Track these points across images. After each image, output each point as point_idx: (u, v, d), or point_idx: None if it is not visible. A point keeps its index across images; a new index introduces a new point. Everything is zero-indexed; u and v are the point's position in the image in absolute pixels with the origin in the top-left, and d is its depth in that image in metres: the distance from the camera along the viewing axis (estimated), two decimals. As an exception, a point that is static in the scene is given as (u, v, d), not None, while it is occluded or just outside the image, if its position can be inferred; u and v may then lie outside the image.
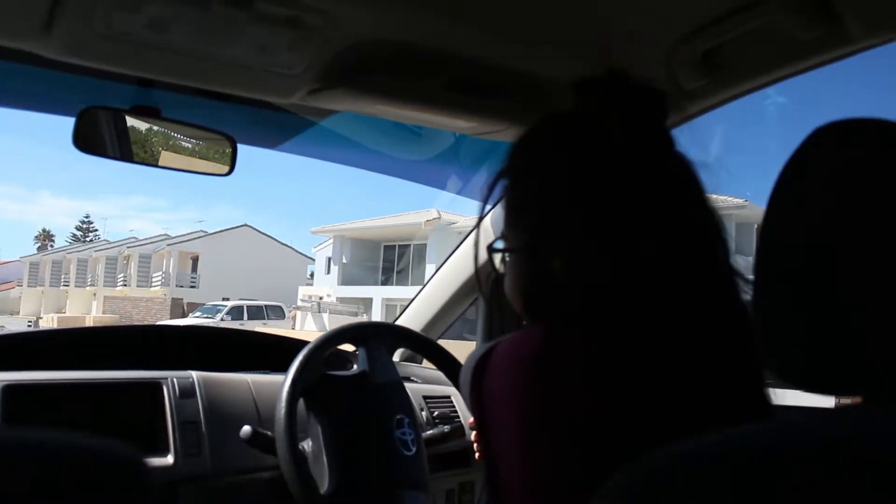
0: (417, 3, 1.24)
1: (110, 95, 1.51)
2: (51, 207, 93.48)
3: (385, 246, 28.04)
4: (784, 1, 1.17)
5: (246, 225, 38.30)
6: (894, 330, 0.57)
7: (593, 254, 0.88)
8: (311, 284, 31.55)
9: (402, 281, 26.45)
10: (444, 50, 1.36)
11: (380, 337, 1.81)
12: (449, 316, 2.32)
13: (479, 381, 0.88)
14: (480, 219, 1.07)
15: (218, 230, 38.06)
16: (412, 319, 2.32)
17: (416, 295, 2.38)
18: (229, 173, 1.68)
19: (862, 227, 0.59)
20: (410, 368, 2.28)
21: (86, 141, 1.48)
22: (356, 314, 25.48)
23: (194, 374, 1.75)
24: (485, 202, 1.00)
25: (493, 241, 0.99)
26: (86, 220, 64.88)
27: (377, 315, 25.57)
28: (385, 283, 27.36)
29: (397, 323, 2.30)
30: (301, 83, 1.38)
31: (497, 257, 0.99)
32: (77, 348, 1.86)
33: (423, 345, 1.96)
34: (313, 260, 33.63)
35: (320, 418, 1.63)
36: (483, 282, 2.23)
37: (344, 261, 28.12)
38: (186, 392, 1.70)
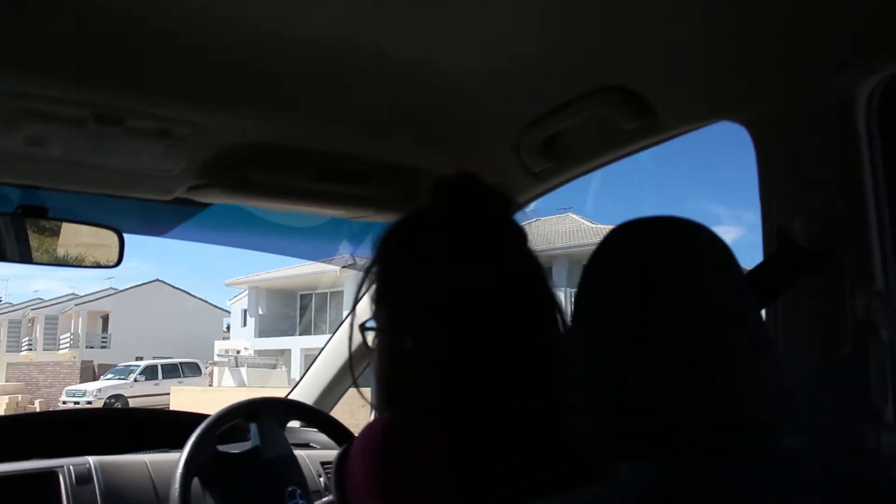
0: (280, 112, 1.36)
1: (-3, 198, 1.58)
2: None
3: (301, 295, 27.78)
4: (606, 97, 1.32)
5: (158, 280, 37.28)
6: (679, 404, 0.69)
7: (433, 333, 0.98)
8: (228, 338, 30.90)
9: (318, 330, 26.16)
10: (310, 147, 1.48)
11: (270, 412, 1.88)
12: (342, 383, 2.39)
13: (341, 470, 0.97)
14: (355, 304, 1.15)
15: (129, 286, 37.02)
16: (306, 390, 2.38)
17: (308, 367, 2.45)
18: (118, 264, 1.75)
19: (651, 311, 0.71)
20: (310, 434, 2.33)
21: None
22: (274, 366, 25.03)
23: (91, 460, 1.78)
24: (359, 286, 1.09)
25: (365, 321, 1.08)
26: (-13, 283, 62.07)
27: (296, 364, 25.22)
28: (302, 332, 27.04)
29: (291, 396, 2.36)
30: (179, 183, 1.48)
31: (369, 336, 1.08)
32: None
33: (313, 418, 2.03)
34: (229, 313, 33.04)
35: (214, 496, 1.68)
36: (356, 364, 2.34)
37: (260, 312, 27.72)
38: (83, 478, 1.73)
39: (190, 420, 2.10)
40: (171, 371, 25.48)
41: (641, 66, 1.25)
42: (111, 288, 37.65)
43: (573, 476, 0.90)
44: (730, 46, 1.15)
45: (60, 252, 1.67)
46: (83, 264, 1.70)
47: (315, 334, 25.90)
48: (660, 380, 0.70)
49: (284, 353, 26.16)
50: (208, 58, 1.19)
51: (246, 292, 28.54)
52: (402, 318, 1.01)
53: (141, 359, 28.32)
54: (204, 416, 1.85)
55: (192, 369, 26.10)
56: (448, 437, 0.92)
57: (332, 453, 2.20)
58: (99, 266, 1.73)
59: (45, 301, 39.86)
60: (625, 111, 1.33)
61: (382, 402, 1.04)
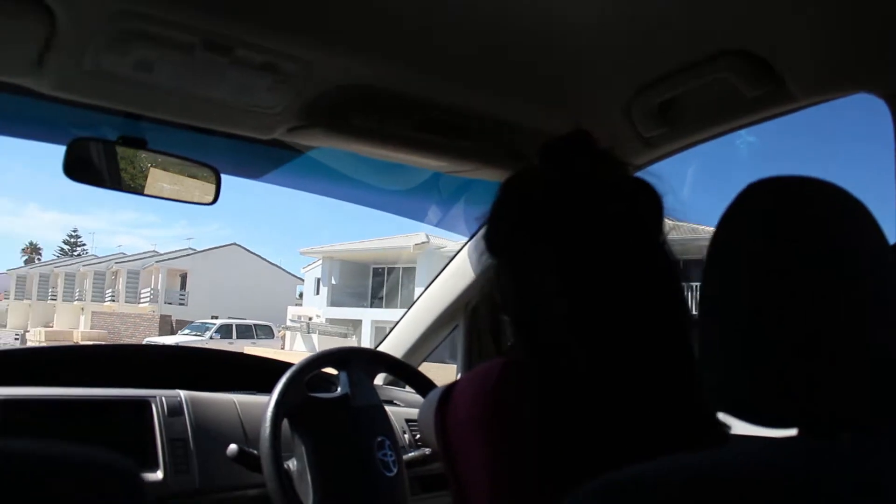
0: (392, 55, 1.32)
1: (99, 126, 1.59)
2: (38, 220, 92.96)
3: (374, 268, 28.03)
4: (730, 62, 1.25)
5: (235, 244, 38.12)
6: (824, 368, 0.64)
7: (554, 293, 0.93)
8: (301, 305, 31.45)
9: (391, 303, 26.43)
10: (415, 95, 1.44)
11: (359, 362, 1.87)
12: (430, 342, 2.38)
13: (442, 414, 0.95)
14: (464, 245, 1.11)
15: (207, 248, 37.96)
16: (394, 345, 2.38)
17: (398, 321, 2.45)
18: (213, 202, 1.75)
19: (787, 273, 0.66)
20: (394, 392, 2.33)
21: (76, 170, 1.55)
22: (346, 336, 25.39)
23: (182, 394, 1.80)
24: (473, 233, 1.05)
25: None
26: (74, 234, 64.64)
27: (367, 336, 25.51)
28: (374, 305, 27.34)
29: (379, 349, 2.36)
30: (281, 121, 1.46)
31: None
32: (66, 366, 1.90)
33: (401, 370, 2.02)
34: (302, 280, 33.52)
35: (304, 438, 1.67)
36: (446, 323, 2.31)
37: (333, 282, 28.06)
38: (174, 410, 1.75)
39: (276, 366, 2.11)
40: (245, 332, 26.09)
41: (770, 30, 1.18)
42: (190, 248, 38.71)
43: (683, 439, 0.86)
44: (868, 12, 1.07)
45: (158, 185, 1.67)
46: (180, 199, 1.70)
47: (387, 307, 26.17)
48: (801, 338, 0.65)
49: (355, 323, 26.47)
50: None
51: (320, 262, 28.92)
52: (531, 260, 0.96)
53: (216, 317, 29.07)
54: (286, 363, 1.85)
55: (266, 332, 26.68)
56: (563, 389, 0.89)
57: (416, 411, 2.18)
58: (195, 202, 1.73)
59: (128, 256, 41.25)
60: (749, 77, 1.26)
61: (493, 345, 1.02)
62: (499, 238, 1.00)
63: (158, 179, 1.68)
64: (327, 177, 2.11)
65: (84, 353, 2.04)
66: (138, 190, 1.64)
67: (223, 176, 1.75)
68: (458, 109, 1.49)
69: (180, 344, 23.88)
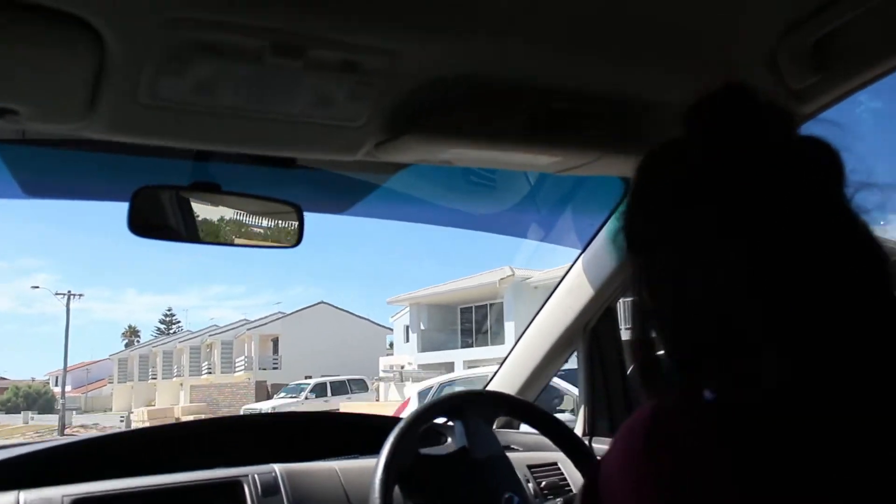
0: (491, 31, 1.10)
1: (166, 174, 1.42)
2: (136, 304, 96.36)
3: (461, 309, 27.95)
4: None
5: (322, 302, 38.71)
6: None
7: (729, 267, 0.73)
8: (392, 354, 31.53)
9: (481, 342, 26.26)
10: (525, 81, 1.22)
11: (476, 407, 1.65)
12: (545, 374, 2.15)
13: (596, 472, 0.80)
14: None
15: (295, 310, 38.55)
16: (505, 382, 2.16)
17: (506, 357, 2.23)
18: (298, 243, 1.56)
19: None
20: (509, 436, 2.10)
21: (143, 224, 1.39)
22: (439, 380, 25.27)
23: (277, 468, 1.61)
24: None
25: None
26: (168, 312, 66.49)
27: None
28: (464, 345, 27.18)
29: (490, 387, 2.14)
30: (366, 136, 1.26)
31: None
32: (156, 448, 1.76)
33: (523, 410, 1.79)
34: (391, 330, 33.70)
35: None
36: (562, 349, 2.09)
37: (422, 327, 28.08)
38: (269, 489, 1.56)
39: (377, 423, 1.92)
40: (340, 388, 26.37)
41: None
42: (279, 312, 39.52)
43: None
44: None
45: (236, 232, 1.49)
46: (262, 243, 1.52)
47: (477, 346, 25.99)
48: None
49: (447, 366, 26.37)
50: None
51: (407, 309, 29.01)
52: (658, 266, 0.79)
53: (310, 377, 29.41)
54: (389, 419, 1.64)
55: (360, 385, 26.89)
56: (728, 434, 0.70)
57: (539, 455, 1.95)
58: (279, 245, 1.54)
59: (221, 327, 42.25)
60: None
61: (639, 380, 0.82)
62: (647, 229, 0.80)
63: (235, 226, 1.50)
64: (413, 203, 1.92)
65: (175, 432, 1.88)
66: (215, 239, 1.46)
67: (306, 214, 1.56)
68: (575, 93, 1.26)
69: (276, 408, 24.31)
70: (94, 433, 1.76)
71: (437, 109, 1.22)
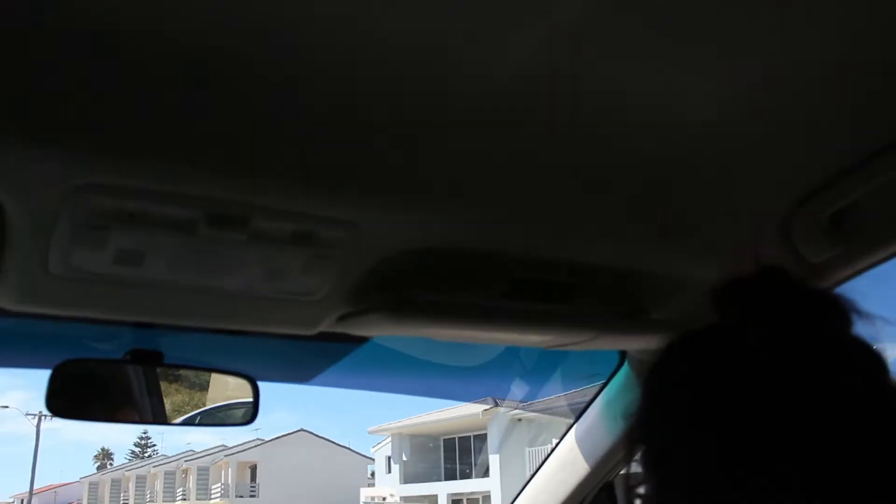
0: (471, 203, 0.94)
1: (98, 342, 1.24)
2: (110, 427, 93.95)
3: (444, 439, 27.29)
4: None
5: (302, 429, 37.74)
6: None
7: None
8: (373, 484, 30.58)
9: (465, 475, 25.52)
10: (508, 252, 1.06)
11: None
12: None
13: None
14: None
15: (274, 437, 37.59)
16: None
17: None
18: (252, 420, 1.36)
19: None
20: None
21: (65, 403, 1.19)
22: (421, 514, 24.45)
23: None
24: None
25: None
26: (144, 435, 64.59)
27: (443, 512, 24.65)
28: (447, 477, 26.40)
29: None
30: (326, 310, 1.09)
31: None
32: None
33: None
34: (373, 460, 32.82)
35: None
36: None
37: (404, 458, 27.33)
38: None
39: None
40: (319, 521, 25.32)
41: None
42: (258, 439, 38.51)
43: None
44: None
45: (178, 408, 1.30)
46: (210, 423, 1.32)
47: (460, 479, 25.26)
48: None
49: (431, 499, 25.54)
50: (371, 121, 0.82)
51: (389, 439, 28.33)
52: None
53: (288, 509, 28.30)
54: None
55: (339, 519, 25.89)
56: None
57: None
58: (230, 424, 1.34)
59: (197, 453, 41.03)
60: None
61: None
62: (678, 434, 0.66)
63: (179, 403, 1.31)
64: (389, 366, 1.74)
65: None
66: (152, 419, 1.26)
67: (261, 384, 1.37)
68: (565, 265, 1.10)
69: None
70: None
71: (410, 283, 1.06)
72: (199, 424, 1.33)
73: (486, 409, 23.76)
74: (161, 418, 1.29)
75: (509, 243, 1.05)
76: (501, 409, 23.01)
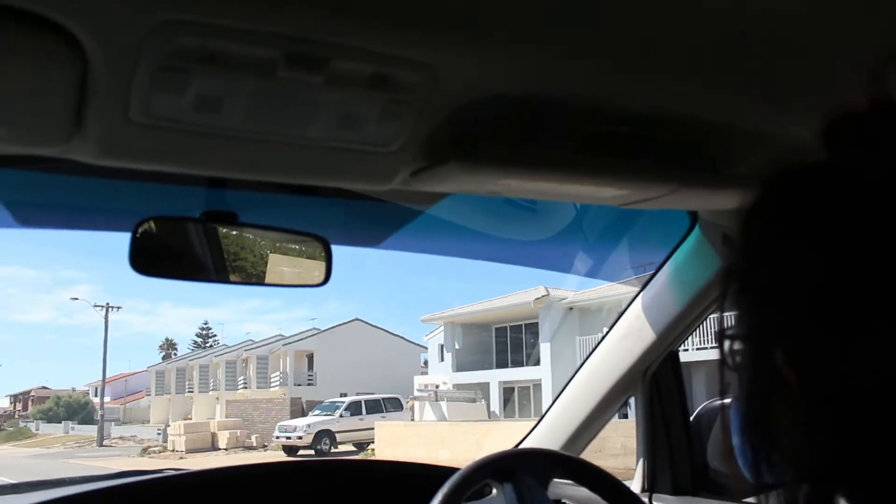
0: (551, 42, 0.91)
1: (175, 202, 1.25)
2: (172, 317, 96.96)
3: (496, 328, 27.67)
4: None
5: (357, 319, 38.50)
6: None
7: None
8: (426, 373, 31.29)
9: (516, 363, 25.96)
10: (588, 101, 1.02)
11: (529, 468, 1.46)
12: (596, 424, 1.96)
13: None
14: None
15: (330, 326, 38.45)
16: (551, 435, 1.96)
17: (549, 407, 2.06)
18: (325, 282, 1.38)
19: None
20: (558, 488, 1.91)
21: (146, 260, 1.21)
22: (474, 400, 25.01)
23: None
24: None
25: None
26: (205, 326, 66.69)
27: (495, 399, 25.11)
28: (499, 365, 26.90)
29: (531, 440, 1.95)
30: (401, 163, 1.08)
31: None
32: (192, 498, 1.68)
33: (581, 472, 1.58)
34: (426, 348, 33.49)
35: None
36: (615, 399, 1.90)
37: (456, 347, 27.84)
38: None
39: (415, 475, 1.75)
40: (374, 406, 26.20)
41: None
42: (314, 328, 39.46)
43: None
44: None
45: (255, 268, 1.31)
46: (283, 283, 1.34)
47: (512, 367, 25.69)
48: None
49: (482, 386, 26.10)
50: None
51: (441, 328, 28.80)
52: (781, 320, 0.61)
53: (345, 395, 29.31)
54: (432, 470, 1.44)
55: (394, 404, 26.74)
56: None
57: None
58: (304, 285, 1.36)
59: (256, 342, 42.31)
60: None
61: (749, 468, 0.64)
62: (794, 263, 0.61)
63: (255, 264, 1.32)
64: (455, 234, 1.73)
65: (208, 481, 1.76)
66: (227, 278, 1.28)
67: (334, 247, 1.38)
68: (645, 117, 1.06)
69: (311, 425, 24.17)
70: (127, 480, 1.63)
71: (484, 133, 1.03)
72: (273, 284, 1.35)
73: (538, 298, 23.98)
74: (236, 278, 1.31)
75: (586, 91, 1.02)
76: (553, 298, 23.22)
